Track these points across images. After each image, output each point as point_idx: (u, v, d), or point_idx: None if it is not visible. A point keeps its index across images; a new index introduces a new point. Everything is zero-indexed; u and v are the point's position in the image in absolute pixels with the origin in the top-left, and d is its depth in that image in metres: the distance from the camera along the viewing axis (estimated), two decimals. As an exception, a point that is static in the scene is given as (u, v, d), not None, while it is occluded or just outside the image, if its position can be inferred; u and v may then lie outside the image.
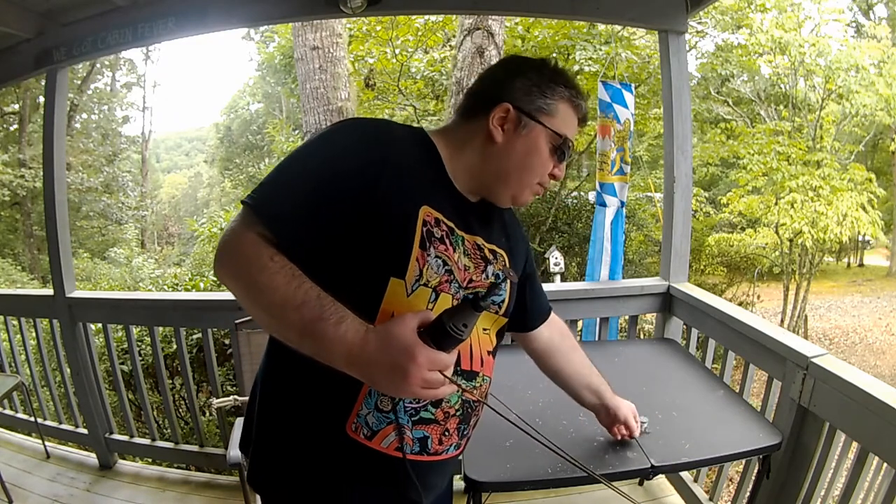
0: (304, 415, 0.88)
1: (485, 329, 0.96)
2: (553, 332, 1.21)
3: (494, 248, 0.98)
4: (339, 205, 0.81)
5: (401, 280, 0.82)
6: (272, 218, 0.80)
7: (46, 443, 2.56)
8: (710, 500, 1.92)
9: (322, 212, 0.81)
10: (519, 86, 0.92)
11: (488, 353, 0.96)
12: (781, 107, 12.01)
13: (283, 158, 0.87)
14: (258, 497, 1.01)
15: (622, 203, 2.32)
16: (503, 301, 0.99)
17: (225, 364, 3.55)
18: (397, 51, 7.01)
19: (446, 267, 0.87)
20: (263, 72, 17.57)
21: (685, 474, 2.02)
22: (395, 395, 0.82)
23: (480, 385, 0.95)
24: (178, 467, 2.68)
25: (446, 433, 0.91)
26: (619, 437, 1.25)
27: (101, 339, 2.97)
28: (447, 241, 0.87)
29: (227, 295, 2.98)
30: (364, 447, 0.86)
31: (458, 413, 0.92)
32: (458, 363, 0.88)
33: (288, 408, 0.89)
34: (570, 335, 1.25)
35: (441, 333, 0.74)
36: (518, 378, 1.60)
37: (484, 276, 0.93)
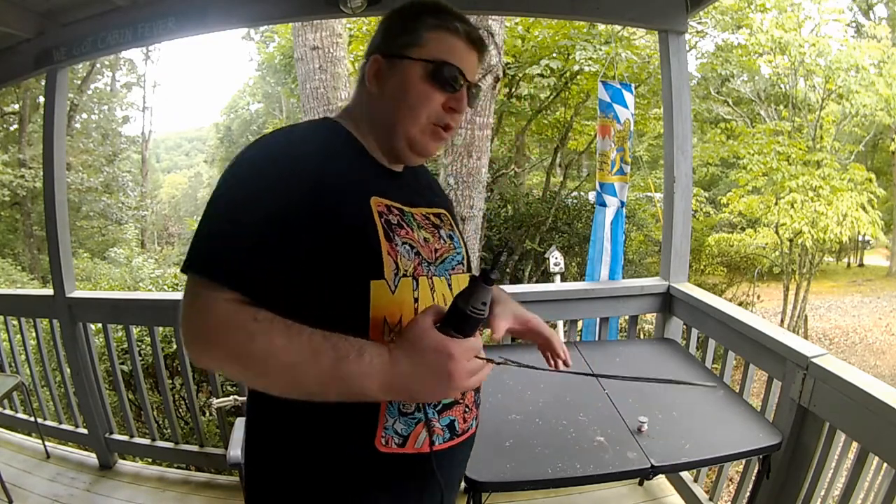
0: (328, 442, 0.82)
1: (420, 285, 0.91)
2: None
3: (437, 210, 0.97)
4: (294, 236, 0.75)
5: (381, 280, 0.80)
6: (232, 278, 0.73)
7: (46, 443, 2.56)
8: (710, 500, 1.92)
9: (279, 250, 0.75)
10: (383, 33, 0.91)
11: None
12: (781, 107, 12.02)
13: (206, 210, 0.78)
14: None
15: (622, 203, 2.32)
16: (463, 257, 0.96)
17: (225, 364, 3.54)
18: (397, 51, 7.00)
19: (414, 250, 0.85)
20: (263, 72, 17.59)
21: (685, 474, 2.02)
22: (445, 398, 0.81)
23: None
24: (178, 467, 2.68)
25: (467, 409, 0.90)
26: (557, 355, 1.04)
27: (101, 339, 2.97)
28: (404, 224, 0.86)
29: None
30: (399, 456, 0.83)
31: None
32: None
33: (306, 436, 0.83)
34: None
35: (462, 319, 0.72)
36: (518, 378, 1.60)
37: (441, 241, 0.92)
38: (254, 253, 0.74)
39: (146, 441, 2.47)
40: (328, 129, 0.89)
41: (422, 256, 0.86)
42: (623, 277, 2.36)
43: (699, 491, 1.98)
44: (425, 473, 0.85)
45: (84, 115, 15.53)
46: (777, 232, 10.02)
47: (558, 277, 6.22)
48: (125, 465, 2.48)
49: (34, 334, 2.65)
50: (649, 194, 9.94)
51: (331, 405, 0.76)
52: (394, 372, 0.70)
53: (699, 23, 9.73)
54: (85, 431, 2.49)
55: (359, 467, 0.82)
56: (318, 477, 0.83)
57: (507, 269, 7.70)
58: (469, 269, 0.97)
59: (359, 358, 0.70)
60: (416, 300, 0.83)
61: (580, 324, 2.49)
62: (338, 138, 0.88)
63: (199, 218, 0.79)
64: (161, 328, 2.79)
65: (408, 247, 0.84)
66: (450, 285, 0.90)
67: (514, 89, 8.00)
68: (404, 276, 0.82)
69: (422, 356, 0.71)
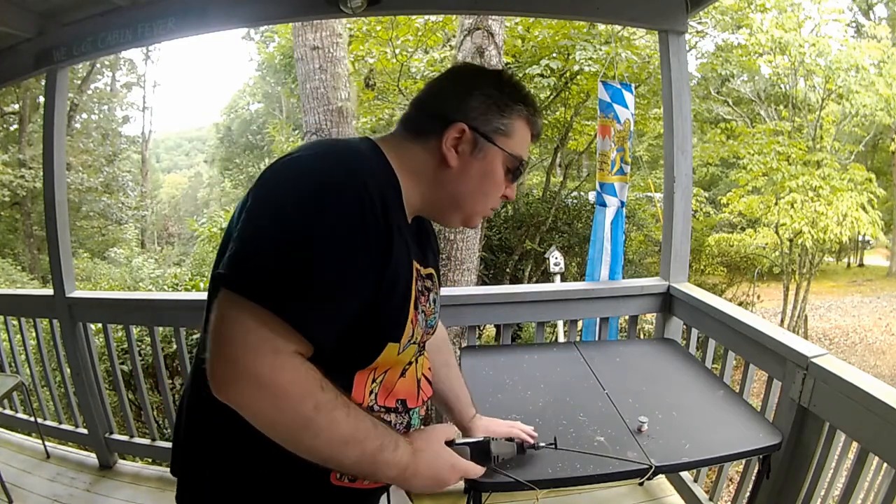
0: (286, 467, 0.79)
1: (420, 352, 0.95)
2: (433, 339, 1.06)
3: (432, 270, 0.95)
4: (360, 292, 0.74)
5: (396, 343, 0.82)
6: (303, 323, 0.69)
7: (46, 443, 2.56)
8: (710, 500, 1.92)
9: (354, 308, 0.75)
10: (475, 104, 0.85)
11: (426, 378, 0.98)
12: (781, 107, 12.02)
13: (275, 233, 0.70)
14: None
15: (622, 203, 2.32)
16: (435, 319, 0.97)
17: (225, 364, 3.54)
18: (397, 51, 7.02)
19: (427, 320, 0.89)
20: (263, 72, 17.60)
21: (685, 474, 2.02)
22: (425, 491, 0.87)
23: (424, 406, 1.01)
24: (178, 467, 2.68)
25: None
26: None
27: (101, 339, 2.97)
28: (425, 291, 0.89)
29: (227, 295, 2.97)
30: (349, 489, 0.86)
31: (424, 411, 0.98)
32: (405, 403, 0.91)
33: (266, 456, 0.79)
34: (448, 350, 1.16)
35: (484, 457, 0.90)
36: (518, 378, 1.60)
37: (429, 305, 0.92)
38: (330, 314, 0.72)
39: (146, 441, 2.47)
40: (385, 176, 0.81)
41: (426, 319, 0.90)
42: (623, 277, 2.36)
43: (699, 491, 1.98)
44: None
45: (84, 115, 15.55)
46: (777, 232, 10.03)
47: (558, 277, 6.22)
48: (125, 465, 2.47)
49: (34, 334, 2.65)
50: (649, 194, 9.94)
51: None
52: (413, 470, 0.79)
53: (699, 23, 9.72)
54: (85, 431, 2.49)
55: (307, 495, 0.84)
56: (263, 496, 0.82)
57: (508, 269, 7.70)
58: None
59: (395, 451, 0.77)
60: (410, 363, 0.90)
61: (580, 324, 2.49)
62: (393, 189, 0.81)
63: (257, 229, 0.71)
64: (161, 328, 2.79)
65: (423, 316, 0.87)
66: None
67: (514, 89, 7.99)
68: (412, 342, 0.86)
69: (436, 466, 0.83)
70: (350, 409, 0.72)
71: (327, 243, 0.70)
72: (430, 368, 1.00)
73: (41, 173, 2.32)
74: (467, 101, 0.85)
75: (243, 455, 0.81)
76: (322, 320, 0.70)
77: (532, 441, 1.12)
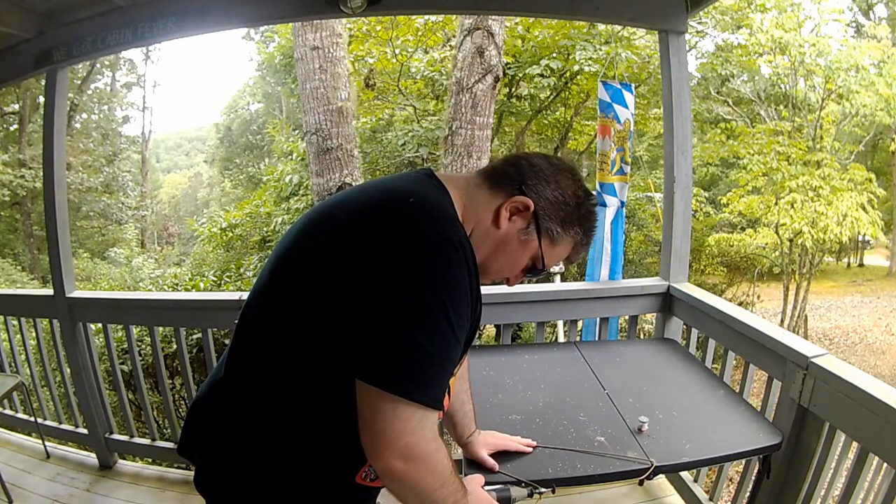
0: (316, 468, 0.89)
1: None
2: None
3: None
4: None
5: (454, 377, 0.92)
6: (441, 403, 0.81)
7: (46, 443, 2.56)
8: (710, 500, 1.92)
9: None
10: (551, 198, 0.89)
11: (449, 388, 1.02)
12: (781, 107, 12.01)
13: (414, 323, 0.76)
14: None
15: (622, 203, 2.32)
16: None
17: (225, 364, 3.54)
18: (397, 51, 7.02)
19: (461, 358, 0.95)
20: (263, 72, 17.57)
21: (685, 474, 2.02)
22: None
23: None
24: (178, 467, 2.67)
25: None
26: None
27: (101, 339, 2.97)
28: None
29: (227, 295, 2.98)
30: (369, 488, 0.94)
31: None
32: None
33: (296, 461, 0.88)
34: (463, 363, 1.16)
35: (506, 502, 1.09)
36: (518, 378, 1.60)
37: None
38: (451, 374, 0.85)
39: (146, 441, 2.47)
40: (466, 238, 0.85)
41: None
42: (623, 277, 2.36)
43: (699, 491, 1.98)
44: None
45: (84, 115, 15.55)
46: (777, 232, 10.03)
47: (558, 277, 6.22)
48: (125, 465, 2.48)
49: (34, 334, 2.65)
50: (649, 194, 9.94)
51: (337, 439, 0.85)
52: None
53: (699, 23, 9.73)
54: (85, 431, 2.49)
55: (336, 492, 0.92)
56: (292, 488, 0.89)
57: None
58: None
59: (464, 496, 0.88)
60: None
61: (580, 324, 2.49)
62: (471, 249, 0.84)
63: (396, 326, 0.76)
64: (161, 328, 2.78)
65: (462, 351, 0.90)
66: None
67: (514, 89, 8.01)
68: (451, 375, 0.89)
69: None
70: (454, 471, 0.85)
71: (458, 331, 0.79)
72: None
73: (41, 173, 2.32)
74: (548, 190, 0.90)
75: (280, 453, 0.88)
76: (442, 390, 0.81)
77: (530, 450, 1.25)
